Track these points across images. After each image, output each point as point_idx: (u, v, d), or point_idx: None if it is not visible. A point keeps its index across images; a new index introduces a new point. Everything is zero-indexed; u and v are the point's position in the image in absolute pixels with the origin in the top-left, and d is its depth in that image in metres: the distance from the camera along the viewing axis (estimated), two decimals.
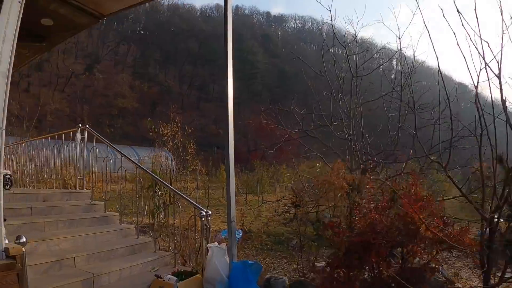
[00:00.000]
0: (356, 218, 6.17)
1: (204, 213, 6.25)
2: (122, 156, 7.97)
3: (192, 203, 6.72)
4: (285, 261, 10.45)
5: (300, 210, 8.39)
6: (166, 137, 26.33)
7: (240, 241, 24.35)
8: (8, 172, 7.89)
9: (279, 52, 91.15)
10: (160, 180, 7.96)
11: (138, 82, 71.27)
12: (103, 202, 8.18)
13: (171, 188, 7.66)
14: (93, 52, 73.69)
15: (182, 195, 7.12)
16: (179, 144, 26.52)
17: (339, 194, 7.83)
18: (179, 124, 26.82)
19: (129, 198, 9.93)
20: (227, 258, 5.81)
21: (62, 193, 8.03)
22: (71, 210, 7.41)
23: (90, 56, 72.29)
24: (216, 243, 6.17)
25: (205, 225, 6.23)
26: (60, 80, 63.31)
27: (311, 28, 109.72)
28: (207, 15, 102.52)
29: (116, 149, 8.10)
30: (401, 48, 12.13)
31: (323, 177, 8.74)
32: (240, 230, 23.27)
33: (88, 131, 8.51)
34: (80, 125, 8.47)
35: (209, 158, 37.94)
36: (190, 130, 29.21)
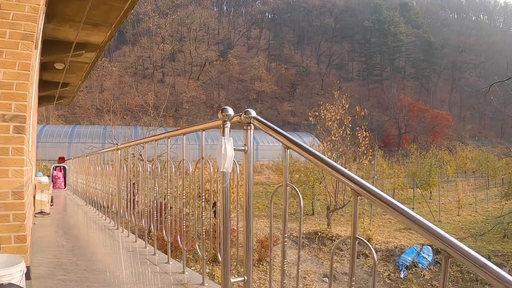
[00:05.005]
0: None
1: None
2: None
3: None
4: None
5: None
6: (330, 122, 20.06)
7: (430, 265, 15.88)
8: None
9: (421, 21, 79.84)
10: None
11: (274, 64, 66.89)
12: None
13: None
14: (225, 38, 71.46)
15: None
16: (348, 132, 19.96)
17: None
18: (347, 106, 20.22)
19: None
20: None
21: None
22: None
23: (222, 43, 70.20)
24: None
25: None
26: (195, 68, 61.78)
27: None
28: None
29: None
30: None
31: None
32: (428, 248, 15.96)
33: (255, 124, 2.45)
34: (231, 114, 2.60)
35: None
36: (363, 113, 22.43)
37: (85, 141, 34.32)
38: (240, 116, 2.44)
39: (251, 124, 2.43)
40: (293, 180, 28.28)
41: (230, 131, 2.49)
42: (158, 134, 3.92)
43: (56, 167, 14.69)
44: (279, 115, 59.98)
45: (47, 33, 6.39)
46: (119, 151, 5.62)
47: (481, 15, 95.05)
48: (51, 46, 6.76)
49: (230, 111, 2.45)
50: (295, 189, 2.27)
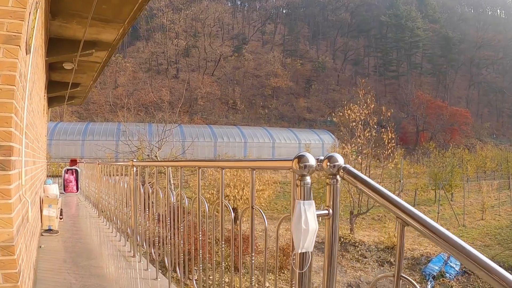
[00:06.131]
0: None
1: None
2: None
3: None
4: None
5: None
6: (354, 124, 19.08)
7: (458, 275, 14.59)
8: None
9: (438, 16, 78.14)
10: None
11: (289, 59, 65.93)
12: None
13: None
14: (240, 34, 70.62)
15: None
16: (373, 133, 18.94)
17: None
18: (372, 105, 19.21)
19: None
20: None
21: None
22: None
23: (237, 38, 69.39)
24: None
25: None
26: (209, 64, 61.07)
27: None
28: None
29: None
30: None
31: None
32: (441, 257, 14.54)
33: (346, 178, 1.59)
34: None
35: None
36: (389, 113, 21.37)
37: (98, 139, 33.84)
38: (321, 163, 1.61)
39: (338, 177, 1.60)
40: (312, 180, 27.38)
41: (311, 191, 1.66)
42: (188, 160, 3.10)
43: (67, 170, 14.03)
44: (295, 111, 58.98)
45: (52, 31, 5.64)
46: (134, 168, 4.84)
47: (498, 10, 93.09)
48: (58, 45, 6.01)
49: (311, 160, 1.61)
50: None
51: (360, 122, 18.11)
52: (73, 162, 15.41)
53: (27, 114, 3.31)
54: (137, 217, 4.79)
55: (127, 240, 5.72)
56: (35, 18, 2.79)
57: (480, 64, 72.94)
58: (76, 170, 13.94)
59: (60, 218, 7.85)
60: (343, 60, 70.52)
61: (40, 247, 5.62)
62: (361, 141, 17.95)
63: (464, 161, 35.73)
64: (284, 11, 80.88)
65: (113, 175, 6.53)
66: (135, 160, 4.83)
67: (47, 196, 6.80)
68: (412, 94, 60.58)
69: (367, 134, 18.07)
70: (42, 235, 6.48)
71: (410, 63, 72.46)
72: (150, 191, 4.16)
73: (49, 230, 6.67)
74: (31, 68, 3.44)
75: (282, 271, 15.45)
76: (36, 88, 4.48)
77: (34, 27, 2.80)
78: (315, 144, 40.41)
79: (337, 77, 67.03)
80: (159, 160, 18.70)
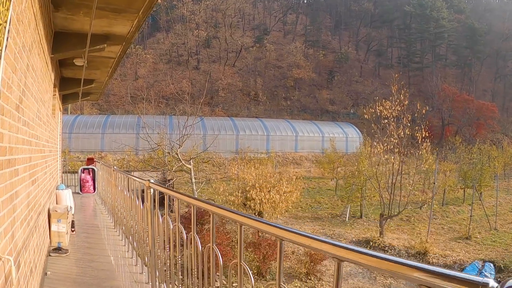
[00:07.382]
0: None
1: None
2: None
3: None
4: None
5: None
6: (386, 121, 17.99)
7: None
8: None
9: (463, 6, 75.54)
10: None
11: (311, 50, 64.54)
12: None
13: None
14: (261, 24, 69.48)
15: None
16: (407, 131, 17.81)
17: None
18: (406, 102, 18.07)
19: None
20: None
21: None
22: None
23: (258, 28, 68.28)
24: None
25: None
26: (230, 55, 60.20)
27: None
28: None
29: None
30: None
31: None
32: (490, 265, 13.78)
33: None
34: None
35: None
36: (424, 110, 20.04)
37: (118, 132, 33.47)
38: None
39: None
40: (338, 176, 26.48)
41: None
42: (224, 209, 2.24)
43: (84, 169, 13.37)
44: (317, 103, 57.71)
45: (58, 24, 4.83)
46: (151, 189, 4.00)
47: None
48: (66, 40, 5.19)
49: None
50: None
51: (392, 120, 17.00)
52: (90, 161, 14.75)
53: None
54: (155, 249, 3.97)
55: (145, 265, 4.92)
56: (9, 2, 1.94)
57: (506, 56, 70.30)
58: (93, 170, 13.28)
59: (72, 231, 7.12)
60: (366, 51, 68.65)
61: (46, 274, 4.87)
62: (394, 140, 16.83)
63: (491, 158, 34.19)
64: (305, 1, 79.61)
65: (129, 188, 5.73)
66: (152, 181, 4.00)
67: (56, 211, 6.04)
68: (438, 86, 58.66)
69: (400, 132, 16.94)
70: (50, 255, 5.74)
71: (434, 55, 70.20)
72: (171, 226, 3.31)
73: (58, 250, 5.92)
74: (18, 71, 2.62)
75: (309, 277, 14.60)
76: (34, 92, 3.67)
77: (7, 16, 1.95)
78: (339, 138, 39.36)
79: (360, 69, 65.40)
80: (180, 159, 17.96)
